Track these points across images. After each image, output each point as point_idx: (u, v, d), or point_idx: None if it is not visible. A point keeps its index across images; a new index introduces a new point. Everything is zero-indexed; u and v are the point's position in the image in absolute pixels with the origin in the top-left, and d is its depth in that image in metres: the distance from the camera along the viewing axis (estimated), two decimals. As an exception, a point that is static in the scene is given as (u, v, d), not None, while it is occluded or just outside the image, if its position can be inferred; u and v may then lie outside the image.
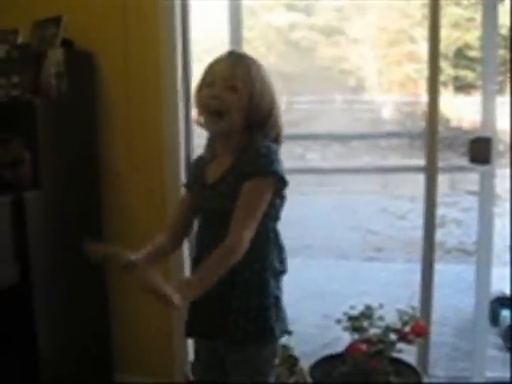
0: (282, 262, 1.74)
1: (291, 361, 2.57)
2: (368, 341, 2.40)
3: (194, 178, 1.81)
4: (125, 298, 2.89)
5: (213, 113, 1.64)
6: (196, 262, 1.75)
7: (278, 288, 1.73)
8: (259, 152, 1.60)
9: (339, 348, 2.55)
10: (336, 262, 5.87)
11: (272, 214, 1.67)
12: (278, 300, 1.70)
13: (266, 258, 1.66)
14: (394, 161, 6.24)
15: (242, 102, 1.62)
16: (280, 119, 1.72)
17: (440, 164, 2.58)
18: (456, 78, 6.13)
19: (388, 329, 2.42)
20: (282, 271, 1.74)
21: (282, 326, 1.71)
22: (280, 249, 1.73)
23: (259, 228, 1.61)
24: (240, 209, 1.57)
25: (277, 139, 1.71)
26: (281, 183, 1.64)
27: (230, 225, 1.56)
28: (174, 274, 2.80)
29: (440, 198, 2.62)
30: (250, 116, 1.64)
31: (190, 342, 2.88)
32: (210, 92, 1.64)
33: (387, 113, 7.15)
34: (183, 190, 1.90)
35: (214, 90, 1.63)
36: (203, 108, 1.67)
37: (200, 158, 1.85)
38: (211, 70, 1.68)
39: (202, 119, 1.69)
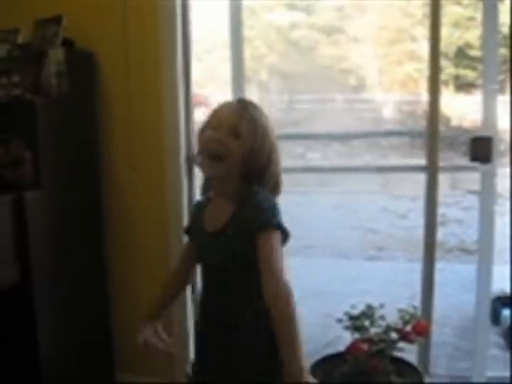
0: None
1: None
2: (369, 340, 2.39)
3: (194, 225, 1.81)
4: (126, 297, 2.89)
5: (213, 156, 1.63)
6: (202, 309, 1.76)
7: None
8: (261, 207, 1.59)
9: (340, 347, 2.55)
10: (337, 261, 5.87)
11: None
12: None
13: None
14: (394, 160, 6.24)
15: (243, 151, 1.61)
16: (279, 169, 1.71)
17: (441, 163, 2.57)
18: (457, 77, 6.13)
19: (389, 328, 2.42)
20: None
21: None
22: None
23: (256, 275, 1.59)
24: (264, 262, 1.55)
25: (275, 189, 1.71)
26: (283, 236, 1.62)
27: (262, 279, 1.53)
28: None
29: (441, 197, 2.62)
30: (248, 164, 1.63)
31: (191, 342, 2.88)
32: (213, 135, 1.63)
33: (388, 112, 7.15)
34: (184, 236, 1.91)
35: (218, 134, 1.62)
36: (204, 150, 1.66)
37: (198, 203, 1.85)
38: (217, 113, 1.68)
39: (200, 160, 1.68)
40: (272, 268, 1.52)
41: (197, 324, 1.81)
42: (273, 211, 1.60)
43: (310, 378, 1.42)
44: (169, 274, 1.96)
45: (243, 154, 1.61)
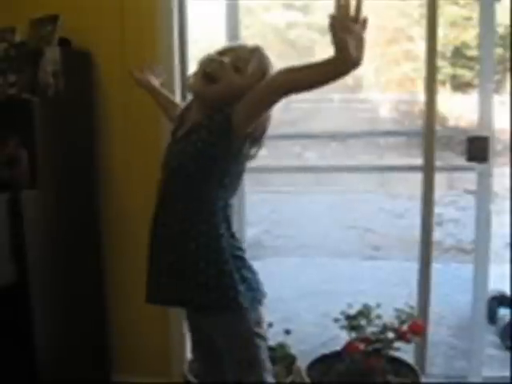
0: (234, 236, 1.72)
1: (288, 359, 2.58)
2: (365, 339, 2.40)
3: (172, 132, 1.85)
4: (123, 297, 2.89)
5: (206, 75, 1.64)
6: (154, 220, 1.78)
7: (239, 258, 1.71)
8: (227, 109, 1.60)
9: (337, 347, 2.55)
10: (333, 260, 5.87)
11: (225, 181, 1.67)
12: (241, 268, 1.68)
13: (217, 225, 1.66)
14: (391, 159, 6.24)
15: (240, 87, 1.61)
16: (266, 126, 1.72)
17: (437, 163, 2.58)
18: (453, 77, 6.14)
19: (385, 327, 2.42)
20: (239, 245, 1.73)
21: (255, 294, 1.70)
22: (229, 223, 1.71)
23: (209, 193, 1.64)
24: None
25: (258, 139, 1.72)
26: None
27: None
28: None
29: (437, 196, 2.63)
30: (237, 106, 1.60)
31: (188, 343, 2.88)
32: (216, 57, 1.66)
33: (385, 111, 7.16)
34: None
35: (222, 57, 1.65)
36: (200, 68, 1.67)
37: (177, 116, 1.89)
38: (233, 46, 1.72)
39: (193, 79, 1.69)
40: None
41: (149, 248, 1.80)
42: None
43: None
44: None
45: (238, 89, 1.61)
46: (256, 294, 1.70)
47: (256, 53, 1.69)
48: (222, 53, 1.67)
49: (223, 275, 1.64)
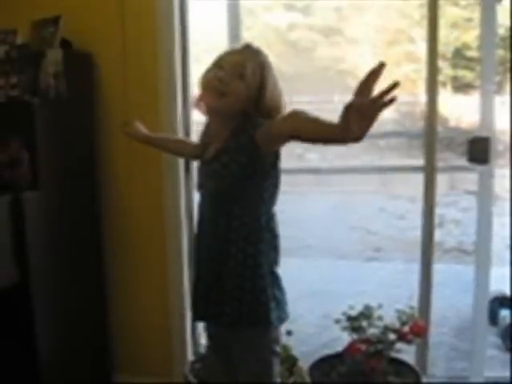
0: (276, 248, 1.76)
1: (290, 361, 2.57)
2: (367, 341, 2.40)
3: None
4: (124, 298, 2.89)
5: (214, 92, 1.68)
6: (198, 239, 1.80)
7: (273, 275, 1.74)
8: (258, 123, 1.65)
9: (338, 348, 2.55)
10: (335, 261, 5.87)
11: (264, 196, 1.70)
12: (274, 286, 1.71)
13: (258, 242, 1.68)
14: (392, 161, 6.24)
15: (247, 92, 1.66)
16: (282, 106, 1.75)
17: (439, 164, 2.58)
18: (454, 78, 6.13)
19: (387, 329, 2.42)
20: (277, 258, 1.76)
21: (280, 313, 1.73)
22: (273, 235, 1.74)
23: (255, 214, 1.67)
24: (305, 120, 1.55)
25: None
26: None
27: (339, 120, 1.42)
28: (172, 276, 2.80)
29: (439, 197, 2.62)
30: (256, 109, 1.67)
31: (189, 342, 2.88)
32: (216, 73, 1.69)
33: (386, 113, 7.13)
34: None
35: (222, 72, 1.68)
36: (207, 88, 1.71)
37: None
38: (224, 55, 1.73)
39: (202, 96, 1.73)
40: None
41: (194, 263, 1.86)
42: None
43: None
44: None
45: (247, 94, 1.66)
46: (282, 313, 1.74)
47: (247, 52, 1.72)
48: (218, 65, 1.71)
49: (258, 291, 1.67)
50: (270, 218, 1.74)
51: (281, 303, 1.73)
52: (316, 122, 1.48)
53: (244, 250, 1.67)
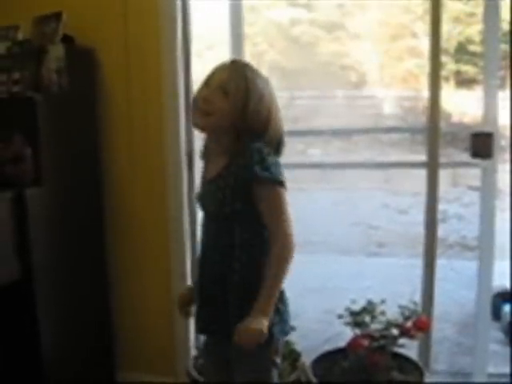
0: None
1: (293, 356, 2.58)
2: (370, 336, 2.40)
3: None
4: (127, 295, 2.89)
5: (201, 111, 1.70)
6: (200, 260, 1.80)
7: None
8: (254, 159, 1.63)
9: (341, 343, 2.55)
10: (337, 257, 5.87)
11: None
12: (278, 302, 1.71)
13: (263, 260, 1.67)
14: (395, 156, 6.22)
15: (232, 109, 1.65)
16: (279, 131, 1.74)
17: (441, 159, 2.57)
18: (457, 73, 6.12)
19: (390, 324, 2.42)
20: None
21: (284, 326, 1.74)
22: None
23: (256, 230, 1.68)
24: (268, 214, 1.65)
25: (278, 149, 1.74)
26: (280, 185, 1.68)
27: (270, 231, 1.65)
28: (175, 275, 2.80)
29: (442, 193, 2.62)
30: (241, 122, 1.66)
31: (192, 340, 2.88)
32: (202, 93, 1.71)
33: (388, 108, 7.14)
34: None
35: (206, 91, 1.70)
36: (194, 107, 1.74)
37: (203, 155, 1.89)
38: (211, 73, 1.74)
39: (192, 118, 1.78)
40: (277, 224, 1.64)
41: (196, 278, 1.86)
42: (266, 163, 1.63)
43: (265, 334, 1.58)
44: None
45: (232, 111, 1.65)
46: (285, 326, 1.75)
47: (234, 68, 1.72)
48: (208, 82, 1.71)
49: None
50: None
51: (284, 316, 1.74)
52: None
53: (247, 265, 1.68)
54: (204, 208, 1.80)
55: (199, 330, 1.85)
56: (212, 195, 1.71)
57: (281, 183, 1.65)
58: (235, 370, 1.77)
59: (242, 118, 1.65)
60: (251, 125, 1.67)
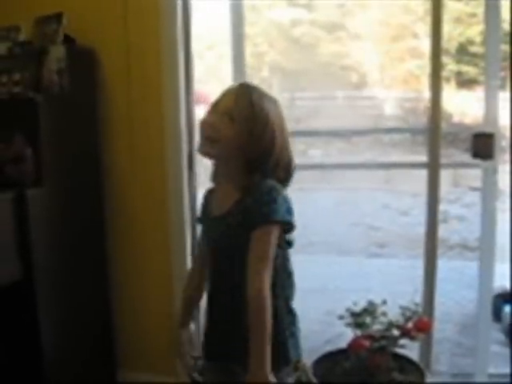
0: (291, 286, 1.75)
1: (294, 357, 2.57)
2: (371, 337, 2.39)
3: (204, 212, 1.83)
4: (128, 295, 2.89)
5: (207, 138, 1.65)
6: (210, 297, 1.78)
7: (291, 314, 1.74)
8: (262, 199, 1.59)
9: (342, 344, 2.55)
10: (338, 258, 5.87)
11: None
12: (291, 325, 1.72)
13: (275, 285, 1.66)
14: (396, 157, 6.23)
15: (238, 135, 1.61)
16: (287, 158, 1.70)
17: (442, 160, 2.57)
18: (458, 74, 6.12)
19: (391, 325, 2.42)
20: (292, 295, 1.76)
21: (297, 348, 1.74)
22: (288, 274, 1.74)
23: None
24: (252, 258, 1.59)
25: (284, 178, 1.70)
26: (288, 227, 1.66)
27: (247, 275, 1.57)
28: (175, 275, 2.80)
29: (443, 193, 2.62)
30: (247, 149, 1.62)
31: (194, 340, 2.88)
32: (207, 118, 1.67)
33: (389, 109, 7.14)
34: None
35: (212, 117, 1.65)
36: (200, 132, 1.69)
37: (208, 191, 1.86)
38: (219, 97, 1.69)
39: (199, 146, 1.70)
40: (258, 269, 1.57)
41: (206, 312, 1.82)
42: (273, 204, 1.59)
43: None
44: (186, 277, 1.98)
45: (238, 138, 1.61)
46: (298, 350, 1.74)
47: (241, 93, 1.67)
48: (214, 108, 1.67)
49: (276, 334, 1.64)
50: (286, 259, 1.73)
51: (297, 338, 1.74)
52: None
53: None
54: (211, 242, 1.76)
55: (209, 357, 1.81)
56: (220, 230, 1.68)
57: (282, 223, 1.62)
58: None
59: (247, 143, 1.61)
60: (255, 151, 1.62)
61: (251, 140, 1.61)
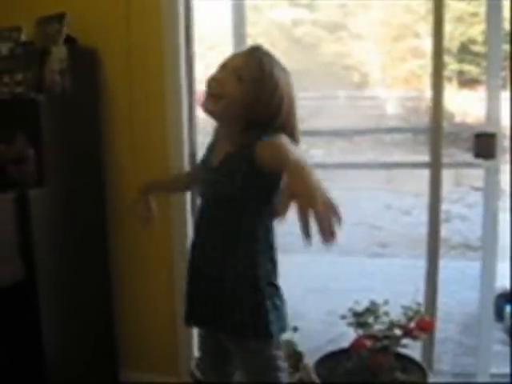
0: (273, 261, 1.74)
1: (296, 357, 2.57)
2: (373, 336, 2.39)
3: (204, 161, 1.86)
4: (130, 295, 2.89)
5: (212, 94, 1.65)
6: (194, 246, 1.80)
7: (273, 286, 1.73)
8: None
9: (344, 344, 2.55)
10: (340, 257, 5.86)
11: (262, 209, 1.68)
12: (272, 298, 1.71)
13: (256, 254, 1.67)
14: (398, 156, 6.22)
15: (244, 95, 1.62)
16: (293, 120, 1.71)
17: (444, 159, 2.57)
18: (460, 73, 6.11)
19: (393, 324, 2.42)
20: (274, 270, 1.75)
21: (281, 323, 1.73)
22: (270, 246, 1.73)
23: (248, 225, 1.66)
24: (277, 161, 1.50)
25: (293, 138, 1.68)
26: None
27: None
28: (178, 274, 2.80)
29: (445, 193, 2.61)
30: (253, 111, 1.63)
31: (196, 340, 2.88)
32: (215, 74, 1.67)
33: (391, 108, 7.13)
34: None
35: (220, 73, 1.66)
36: (206, 89, 1.69)
37: (210, 144, 1.89)
38: (229, 57, 1.70)
39: (202, 101, 1.70)
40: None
41: (187, 271, 1.84)
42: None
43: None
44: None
45: (243, 98, 1.61)
46: (283, 323, 1.74)
47: (251, 55, 1.67)
48: (224, 66, 1.68)
49: (257, 303, 1.67)
50: (269, 231, 1.72)
51: (281, 312, 1.73)
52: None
53: (242, 261, 1.67)
54: (203, 194, 1.79)
55: (188, 319, 1.82)
56: (216, 181, 1.70)
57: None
58: (242, 371, 1.77)
59: (252, 106, 1.62)
60: (260, 114, 1.62)
61: (257, 103, 1.62)
